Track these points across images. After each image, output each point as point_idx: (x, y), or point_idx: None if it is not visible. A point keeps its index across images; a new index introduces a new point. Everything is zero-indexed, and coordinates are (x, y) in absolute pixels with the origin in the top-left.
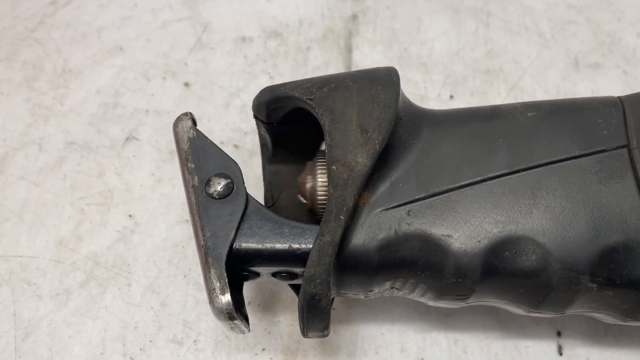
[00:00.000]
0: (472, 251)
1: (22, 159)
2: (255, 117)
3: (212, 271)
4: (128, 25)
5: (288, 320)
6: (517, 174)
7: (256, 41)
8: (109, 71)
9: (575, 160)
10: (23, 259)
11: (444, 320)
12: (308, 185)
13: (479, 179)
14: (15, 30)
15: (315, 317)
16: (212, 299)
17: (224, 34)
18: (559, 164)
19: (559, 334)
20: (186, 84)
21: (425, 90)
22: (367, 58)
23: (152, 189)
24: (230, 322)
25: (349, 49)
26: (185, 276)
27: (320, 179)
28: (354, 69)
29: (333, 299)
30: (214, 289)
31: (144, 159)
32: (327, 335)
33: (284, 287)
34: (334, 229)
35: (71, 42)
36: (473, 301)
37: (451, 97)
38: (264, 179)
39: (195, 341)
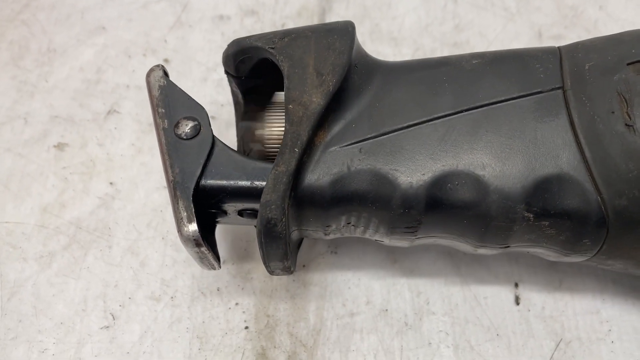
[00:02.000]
0: (417, 184)
1: (8, 133)
2: (226, 72)
3: (180, 203)
4: (110, 5)
5: (260, 277)
6: (460, 114)
7: (233, 19)
8: (92, 49)
9: (514, 100)
10: (9, 224)
11: (408, 274)
12: (257, 132)
13: (425, 119)
14: (2, 12)
15: (273, 242)
16: (179, 228)
17: (202, 12)
18: (499, 104)
19: (516, 285)
20: (166, 60)
21: None
22: None
23: (132, 158)
24: (197, 249)
25: None
26: (163, 238)
27: (268, 125)
28: None
29: (301, 240)
30: (181, 219)
31: (125, 131)
32: (291, 270)
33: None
34: (288, 160)
35: (55, 22)
36: (422, 235)
37: None
38: (237, 135)
39: (172, 297)
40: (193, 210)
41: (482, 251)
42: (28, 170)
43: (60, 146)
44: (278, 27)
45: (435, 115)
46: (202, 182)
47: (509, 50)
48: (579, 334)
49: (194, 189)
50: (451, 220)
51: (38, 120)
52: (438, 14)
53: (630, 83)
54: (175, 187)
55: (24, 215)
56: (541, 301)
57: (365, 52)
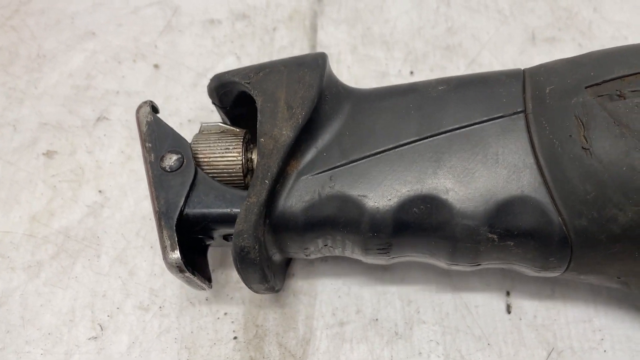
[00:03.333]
0: (384, 208)
1: None
2: (213, 102)
3: (164, 232)
4: (100, 10)
5: None
6: (425, 140)
7: (224, 23)
8: (82, 55)
9: (477, 125)
10: None
11: (398, 282)
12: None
13: (391, 146)
14: None
15: (248, 267)
16: (164, 256)
17: (192, 17)
18: (463, 129)
19: (507, 293)
20: (155, 66)
21: (386, 67)
22: (331, 37)
23: (122, 166)
24: (181, 275)
25: (314, 29)
26: (152, 247)
27: (240, 154)
28: (318, 48)
29: (290, 260)
30: (165, 247)
31: (114, 138)
32: (276, 289)
33: None
34: (259, 191)
35: (45, 28)
36: (396, 255)
37: (411, 73)
38: None
39: (160, 307)
40: (176, 239)
41: (456, 268)
42: (17, 178)
43: (49, 154)
44: (269, 31)
45: (401, 142)
46: (186, 211)
47: (474, 74)
48: (571, 343)
49: (177, 218)
50: (419, 242)
51: (27, 127)
52: (430, 17)
53: (587, 106)
54: (160, 217)
55: (12, 223)
56: (533, 310)
57: (337, 81)
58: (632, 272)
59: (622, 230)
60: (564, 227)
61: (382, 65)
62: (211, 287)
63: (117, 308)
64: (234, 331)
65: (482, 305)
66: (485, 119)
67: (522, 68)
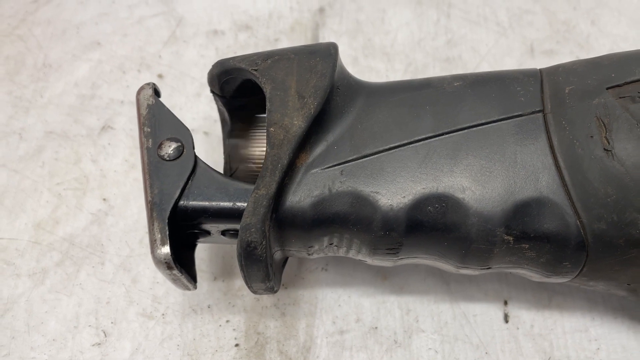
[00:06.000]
0: (398, 206)
1: (4, 148)
2: (212, 91)
3: (155, 224)
4: (105, 21)
5: (251, 295)
6: (440, 137)
7: (227, 34)
8: (87, 65)
9: (494, 124)
10: (3, 240)
11: (398, 291)
12: (242, 151)
13: (406, 141)
14: None
15: (253, 264)
16: (152, 250)
17: (197, 27)
18: (480, 127)
19: (505, 302)
20: (160, 76)
21: (387, 78)
22: None
23: (126, 174)
24: (169, 272)
25: (315, 40)
26: None
27: (252, 145)
28: None
29: (286, 259)
30: (154, 241)
31: (118, 147)
32: (274, 290)
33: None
34: (269, 183)
35: (51, 37)
36: (404, 256)
37: None
38: (224, 152)
39: (163, 314)
40: (167, 232)
41: (464, 271)
42: (22, 186)
43: (54, 162)
44: (272, 42)
45: (416, 138)
46: (183, 203)
47: (490, 72)
48: (567, 353)
49: (171, 210)
50: (432, 242)
51: (33, 135)
52: (431, 29)
53: (609, 107)
54: (152, 208)
55: (17, 231)
56: (530, 319)
57: (348, 73)
58: (614, 277)
59: None
60: (581, 231)
61: (383, 76)
62: (195, 288)
63: (121, 315)
64: (235, 338)
65: (480, 314)
66: (503, 117)
67: (532, 68)
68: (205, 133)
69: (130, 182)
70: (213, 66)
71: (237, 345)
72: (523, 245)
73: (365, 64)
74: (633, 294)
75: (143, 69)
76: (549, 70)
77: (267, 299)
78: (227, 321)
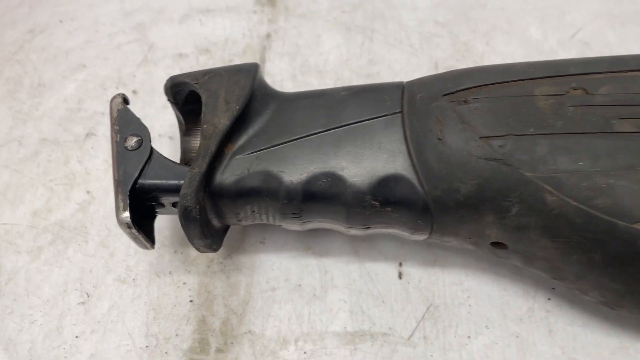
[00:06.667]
0: (296, 181)
1: (6, 153)
2: (168, 99)
3: (119, 196)
4: (90, 47)
5: (204, 263)
6: (329, 131)
7: (190, 56)
8: (74, 84)
9: (367, 121)
10: (6, 225)
11: (318, 258)
12: (192, 144)
13: (305, 135)
14: (0, 53)
15: (190, 224)
16: (117, 214)
17: (165, 51)
18: (357, 124)
19: (400, 264)
20: (134, 92)
21: None
22: (276, 67)
23: (105, 172)
24: (129, 231)
25: (262, 61)
26: None
27: (197, 139)
28: (266, 76)
29: (227, 227)
30: (118, 207)
31: (100, 150)
32: (214, 249)
33: None
34: (201, 164)
35: (45, 61)
36: (307, 220)
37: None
38: (180, 146)
39: (134, 279)
40: (127, 201)
41: (353, 231)
42: (22, 182)
43: (48, 163)
44: (226, 62)
45: (312, 132)
46: (141, 181)
47: (369, 84)
48: (445, 300)
49: (132, 186)
50: (323, 207)
51: (30, 142)
52: (357, 51)
53: (443, 109)
54: (118, 184)
55: (18, 218)
56: (419, 276)
57: (266, 85)
58: (476, 234)
59: (464, 198)
60: (425, 197)
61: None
62: (154, 248)
63: (101, 281)
64: (190, 296)
65: (381, 273)
66: (373, 116)
67: (400, 81)
68: (171, 138)
69: (109, 178)
70: (167, 80)
71: (191, 301)
72: (387, 208)
73: (302, 80)
74: (477, 247)
75: (120, 86)
76: (410, 82)
77: (216, 266)
78: (184, 283)
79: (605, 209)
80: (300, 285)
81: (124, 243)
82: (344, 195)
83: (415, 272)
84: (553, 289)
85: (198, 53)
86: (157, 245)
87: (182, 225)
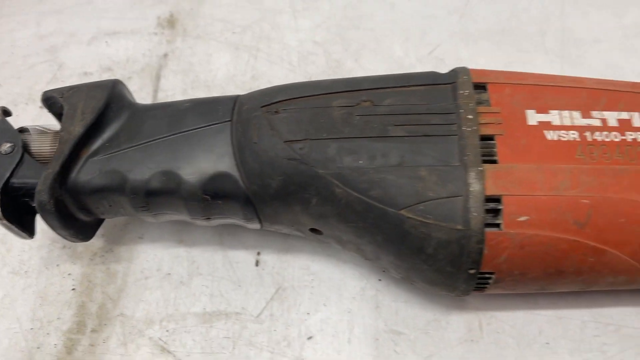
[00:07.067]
0: (140, 178)
1: None
2: (46, 108)
3: None
4: (6, 67)
5: (88, 257)
6: (170, 137)
7: (95, 74)
8: None
9: (203, 128)
10: None
11: (188, 249)
12: None
13: (150, 140)
14: None
15: (47, 216)
16: None
17: (72, 70)
18: (194, 130)
19: (258, 253)
20: (41, 107)
21: None
22: (170, 83)
23: None
24: (2, 222)
25: (158, 78)
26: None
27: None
28: (159, 92)
29: (101, 220)
30: None
31: None
32: (81, 238)
33: None
34: (54, 165)
35: None
36: (156, 212)
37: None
38: None
39: (26, 272)
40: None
41: (199, 222)
42: None
43: None
44: (126, 80)
45: (156, 137)
46: (12, 180)
47: (210, 97)
48: (292, 283)
49: (4, 185)
50: (164, 201)
51: None
52: (242, 67)
53: (259, 118)
54: None
55: None
56: (272, 263)
57: (124, 97)
58: (294, 222)
59: (274, 191)
60: (246, 191)
61: None
62: (31, 238)
63: None
64: (73, 285)
65: (241, 262)
66: (207, 124)
67: (236, 95)
68: None
69: None
70: (42, 94)
71: (73, 289)
72: (218, 201)
73: (192, 94)
74: (302, 233)
75: (30, 102)
76: (243, 96)
77: (98, 258)
78: (69, 274)
79: (378, 199)
80: (170, 274)
81: (20, 241)
82: (180, 191)
83: (270, 260)
84: (384, 271)
85: (101, 71)
86: (48, 241)
87: (41, 217)
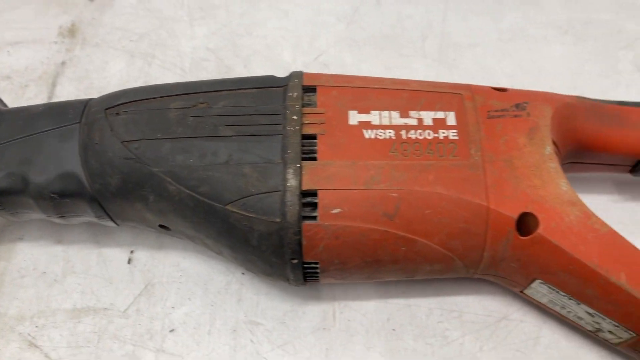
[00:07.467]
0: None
1: None
2: None
3: None
4: None
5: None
6: (22, 139)
7: None
8: None
9: (52, 130)
10: None
11: (66, 249)
12: None
13: (2, 142)
14: None
15: None
16: None
17: None
18: (44, 132)
19: (132, 251)
20: None
21: None
22: (65, 90)
23: None
24: None
25: (54, 84)
26: None
27: None
28: (53, 98)
29: None
30: None
31: None
32: None
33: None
34: None
35: None
36: (13, 211)
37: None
38: None
39: None
40: None
41: (56, 220)
42: None
43: None
44: (23, 87)
45: (6, 140)
46: None
47: (62, 101)
48: (162, 279)
49: None
50: (18, 200)
51: None
52: (135, 74)
53: (102, 120)
54: None
55: None
56: (144, 260)
57: None
58: (142, 219)
59: (115, 190)
60: (91, 190)
61: None
62: None
63: None
64: None
65: (114, 260)
66: (57, 126)
67: (90, 98)
68: None
69: None
70: None
71: None
72: (66, 200)
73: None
74: (155, 229)
75: None
76: (94, 99)
77: None
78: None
79: (206, 195)
80: (45, 272)
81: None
82: (29, 190)
83: (143, 257)
84: None
85: (0, 79)
86: None
87: None
